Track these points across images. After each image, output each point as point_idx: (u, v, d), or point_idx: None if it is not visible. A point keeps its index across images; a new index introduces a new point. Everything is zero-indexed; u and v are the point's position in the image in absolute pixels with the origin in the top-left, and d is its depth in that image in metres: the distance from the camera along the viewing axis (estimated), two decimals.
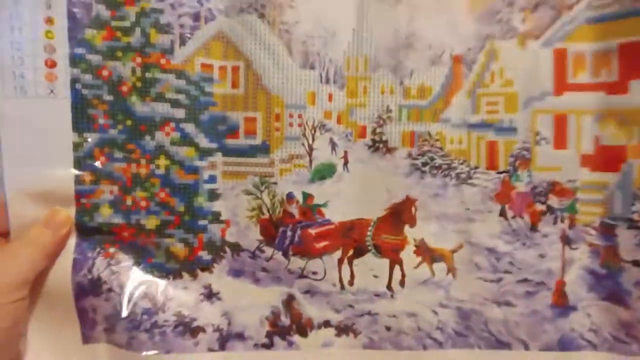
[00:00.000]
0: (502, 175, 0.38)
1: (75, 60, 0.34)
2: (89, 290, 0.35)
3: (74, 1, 0.33)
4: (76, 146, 0.34)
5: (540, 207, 0.38)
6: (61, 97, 0.34)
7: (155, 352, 0.36)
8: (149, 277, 0.36)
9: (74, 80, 0.34)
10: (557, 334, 0.37)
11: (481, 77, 0.38)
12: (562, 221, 0.38)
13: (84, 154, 0.34)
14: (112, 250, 0.36)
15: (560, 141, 0.38)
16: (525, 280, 0.38)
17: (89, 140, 0.34)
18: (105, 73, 0.34)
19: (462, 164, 0.38)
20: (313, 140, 0.37)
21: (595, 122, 0.37)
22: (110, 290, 0.35)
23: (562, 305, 0.37)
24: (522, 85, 0.37)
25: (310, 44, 0.37)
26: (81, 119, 0.34)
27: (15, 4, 0.32)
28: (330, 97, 0.37)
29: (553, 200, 0.38)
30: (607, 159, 0.37)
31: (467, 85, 0.38)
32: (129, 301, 0.35)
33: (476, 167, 0.38)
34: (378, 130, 0.37)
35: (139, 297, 0.35)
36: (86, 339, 0.36)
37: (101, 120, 0.34)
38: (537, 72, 0.37)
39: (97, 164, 0.35)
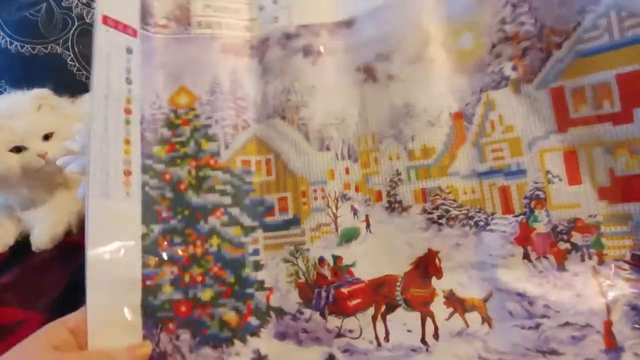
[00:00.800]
0: (519, 218, 0.38)
1: (145, 169, 0.43)
2: None
3: (145, 127, 0.44)
4: (144, 237, 0.42)
5: (564, 245, 0.37)
6: (134, 198, 0.43)
7: None
8: (205, 348, 0.41)
9: (144, 184, 0.43)
10: None
11: (482, 127, 0.41)
12: (590, 258, 0.36)
13: (149, 243, 0.42)
14: (172, 326, 0.41)
15: (573, 177, 0.38)
16: (567, 324, 0.36)
17: (154, 230, 0.42)
18: (167, 177, 0.44)
19: (478, 212, 0.40)
20: (337, 209, 0.43)
21: (606, 153, 0.36)
22: None
23: (614, 348, 0.35)
24: (523, 128, 0.39)
25: (325, 130, 0.44)
26: (148, 214, 0.42)
27: (106, 132, 0.43)
28: (347, 171, 0.43)
29: (576, 238, 0.37)
30: (625, 189, 0.36)
31: (470, 137, 0.41)
32: None
33: (493, 214, 0.39)
34: (392, 192, 0.42)
35: None
36: None
37: (164, 214, 0.43)
38: (535, 113, 0.38)
39: (161, 250, 0.42)
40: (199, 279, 0.42)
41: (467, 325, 0.38)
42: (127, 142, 0.44)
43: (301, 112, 0.44)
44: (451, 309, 0.38)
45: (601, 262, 0.36)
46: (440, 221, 0.40)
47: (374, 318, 0.39)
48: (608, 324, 0.34)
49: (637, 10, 0.35)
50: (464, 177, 0.40)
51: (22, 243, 0.60)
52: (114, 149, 0.42)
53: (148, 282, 0.41)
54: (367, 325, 0.40)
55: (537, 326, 0.36)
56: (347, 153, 0.43)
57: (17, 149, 0.56)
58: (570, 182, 0.37)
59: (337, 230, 0.41)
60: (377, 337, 0.39)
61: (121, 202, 0.42)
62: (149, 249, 0.42)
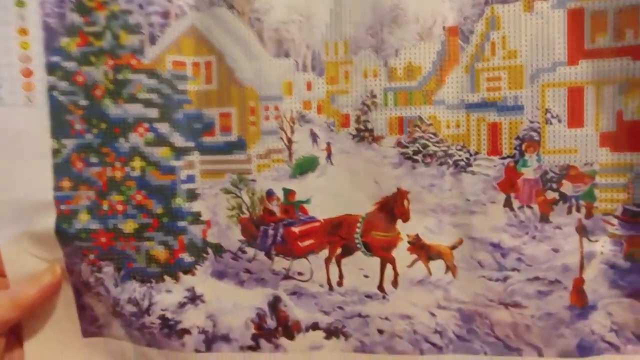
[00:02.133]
0: (506, 161, 0.32)
1: (51, 69, 0.33)
2: (83, 291, 0.35)
3: (49, 11, 0.32)
4: (55, 153, 0.33)
5: (551, 195, 0.33)
6: (39, 105, 0.33)
7: (150, 347, 0.35)
8: (130, 283, 0.35)
9: (50, 88, 0.33)
10: (576, 338, 0.31)
11: (480, 49, 0.33)
12: (577, 210, 0.31)
13: (62, 161, 0.34)
14: (92, 256, 0.35)
15: (575, 119, 0.32)
16: (536, 279, 0.33)
17: (67, 146, 0.33)
18: (80, 79, 0.33)
19: (460, 150, 0.33)
20: (292, 132, 0.33)
21: (618, 94, 0.31)
22: (99, 294, 0.34)
23: (581, 305, 0.31)
24: (528, 56, 0.32)
25: (284, 30, 0.33)
26: (59, 126, 0.33)
27: None
28: (308, 86, 0.33)
29: (567, 187, 0.32)
30: (632, 136, 0.30)
31: (464, 60, 0.33)
32: (117, 304, 0.34)
33: (476, 153, 0.33)
34: (362, 118, 0.33)
35: (124, 301, 0.34)
36: (86, 333, 0.36)
37: (77, 126, 0.34)
38: (546, 39, 0.31)
39: (75, 170, 0.34)
40: (119, 207, 0.34)
41: (430, 274, 0.34)
42: (23, 31, 0.33)
43: (255, 2, 0.31)
44: (414, 256, 0.33)
45: (589, 215, 0.32)
46: (415, 157, 0.32)
47: (328, 261, 0.34)
48: (578, 282, 0.31)
49: None
50: (450, 107, 0.32)
51: None
52: (4, 42, 0.32)
53: (62, 207, 0.34)
54: (319, 269, 0.35)
55: (505, 279, 0.32)
56: (311, 63, 0.32)
57: None
58: (570, 124, 0.31)
59: (291, 159, 0.33)
60: (329, 281, 0.35)
61: (21, 110, 0.33)
62: (62, 168, 0.34)
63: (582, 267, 0.32)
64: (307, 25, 0.33)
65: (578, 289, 0.32)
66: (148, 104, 0.33)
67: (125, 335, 0.35)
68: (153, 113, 0.33)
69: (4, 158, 0.33)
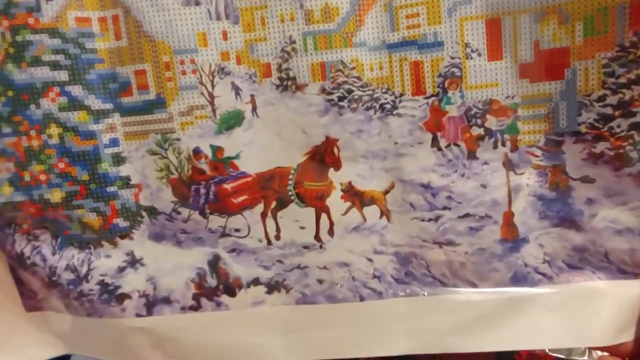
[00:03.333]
0: (430, 100, 0.31)
1: None
2: (19, 264, 0.34)
3: None
4: None
5: (477, 131, 0.31)
6: None
7: (89, 317, 0.34)
8: (68, 249, 0.33)
9: None
10: (509, 271, 0.31)
11: None
12: (503, 144, 0.30)
13: None
14: (25, 226, 0.33)
15: (494, 52, 0.30)
16: (467, 216, 0.32)
17: None
18: None
19: (385, 93, 0.31)
20: (212, 87, 0.31)
21: (533, 22, 0.30)
22: (34, 264, 0.32)
23: (512, 238, 0.31)
24: None
25: None
26: None
27: None
28: (224, 35, 0.31)
29: (491, 122, 0.31)
30: (549, 65, 0.30)
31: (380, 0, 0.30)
32: (53, 274, 0.32)
33: (402, 95, 0.32)
34: (284, 66, 0.31)
35: (62, 269, 0.32)
36: (28, 307, 0.35)
37: None
38: None
39: None
40: (42, 177, 0.32)
41: (365, 220, 0.32)
42: None
43: None
44: (349, 203, 0.32)
45: (514, 148, 0.31)
46: (341, 104, 0.31)
47: (264, 215, 0.33)
48: (508, 215, 0.31)
49: None
50: (372, 48, 0.30)
51: None
52: None
53: None
54: (255, 223, 0.33)
55: (437, 218, 0.31)
56: (225, 11, 0.30)
57: None
58: (490, 57, 0.30)
59: (214, 114, 0.31)
60: (267, 235, 0.33)
61: None
62: None
63: (510, 201, 0.31)
64: None
65: (508, 223, 0.31)
66: (55, 66, 0.31)
67: (63, 307, 0.34)
68: (62, 76, 0.31)
69: None
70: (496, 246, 0.31)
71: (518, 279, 0.31)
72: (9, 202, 0.32)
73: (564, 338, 0.31)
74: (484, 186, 0.31)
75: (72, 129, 0.32)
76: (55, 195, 0.32)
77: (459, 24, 0.30)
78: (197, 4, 0.31)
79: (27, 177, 0.32)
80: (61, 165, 0.32)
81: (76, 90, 0.31)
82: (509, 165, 0.31)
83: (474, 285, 0.32)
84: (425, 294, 0.32)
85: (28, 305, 0.35)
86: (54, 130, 0.31)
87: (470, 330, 0.32)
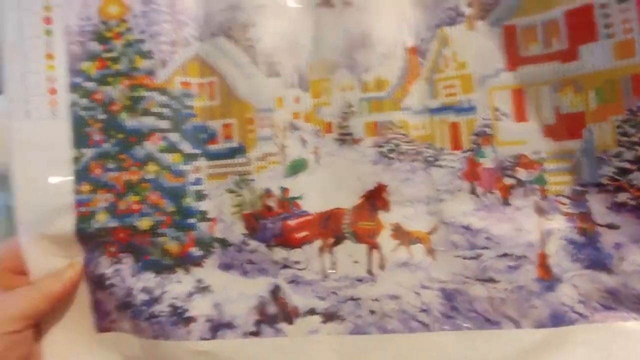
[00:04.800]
0: (467, 154, 0.32)
1: (74, 88, 0.33)
2: (98, 285, 0.33)
3: (72, 40, 0.33)
4: (75, 160, 0.32)
5: (509, 181, 0.32)
6: (62, 118, 0.32)
7: (156, 339, 0.32)
8: (146, 273, 0.33)
9: (72, 104, 0.33)
10: (548, 309, 0.29)
11: (436, 63, 0.33)
12: (533, 193, 0.30)
13: (82, 167, 0.32)
14: (112, 249, 0.33)
15: (520, 115, 0.32)
16: (505, 255, 0.31)
17: (86, 154, 0.32)
18: (99, 96, 0.33)
19: (428, 147, 0.32)
20: (284, 138, 0.33)
21: (553, 92, 0.31)
22: (113, 285, 0.32)
23: (548, 278, 0.30)
24: (475, 65, 0.32)
25: (275, 55, 0.33)
26: (79, 137, 0.33)
27: (22, 43, 0.32)
28: (297, 100, 0.33)
29: (521, 173, 0.31)
30: (568, 126, 0.31)
31: (423, 73, 0.33)
32: (130, 294, 0.31)
33: (442, 149, 0.33)
34: (343, 124, 0.33)
35: (138, 290, 0.31)
36: (100, 328, 0.34)
37: (96, 137, 0.33)
38: (488, 51, 0.32)
39: (93, 175, 0.32)
40: (136, 207, 0.32)
41: (412, 256, 0.31)
42: (50, 56, 0.33)
43: (249, 32, 0.32)
44: (397, 241, 0.32)
45: (543, 197, 0.31)
46: (390, 155, 0.32)
47: (321, 250, 0.32)
48: (542, 256, 0.30)
49: None
50: (416, 112, 0.32)
51: None
52: (34, 65, 0.32)
53: (81, 209, 0.32)
54: (314, 257, 0.32)
55: (478, 257, 0.30)
56: (298, 81, 0.32)
57: None
58: (516, 119, 0.31)
59: (284, 160, 0.32)
60: (323, 269, 0.32)
61: (46, 123, 0.32)
62: (81, 174, 0.33)
63: (543, 243, 0.30)
64: (293, 50, 0.34)
65: (543, 263, 0.30)
66: (160, 116, 0.33)
67: (133, 329, 0.32)
68: (165, 124, 0.33)
69: (30, 166, 0.31)
70: (533, 284, 0.30)
71: (556, 317, 0.30)
72: (103, 228, 0.32)
73: None
74: (518, 229, 0.31)
75: (167, 168, 0.33)
76: (145, 224, 0.32)
77: (489, 93, 0.32)
78: (277, 75, 0.34)
79: (122, 206, 0.32)
80: (153, 197, 0.33)
81: (174, 137, 0.33)
82: (539, 211, 0.31)
83: (515, 321, 0.30)
84: (470, 328, 0.30)
85: (100, 325, 0.34)
86: (151, 167, 0.33)
87: None
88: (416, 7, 0.33)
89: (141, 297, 0.32)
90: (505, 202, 0.31)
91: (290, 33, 0.33)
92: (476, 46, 0.32)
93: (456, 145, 0.32)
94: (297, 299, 0.32)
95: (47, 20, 0.32)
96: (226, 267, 0.33)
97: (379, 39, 0.32)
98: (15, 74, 0.31)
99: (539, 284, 0.29)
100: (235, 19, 0.33)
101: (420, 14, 0.33)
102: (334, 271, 0.32)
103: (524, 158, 0.31)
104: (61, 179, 0.32)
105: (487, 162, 0.32)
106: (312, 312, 0.32)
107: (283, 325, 0.31)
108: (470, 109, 0.32)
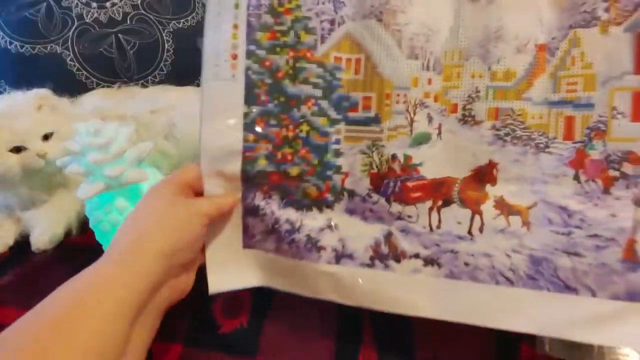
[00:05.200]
0: (577, 145, 0.35)
1: (249, 54, 0.39)
2: (251, 213, 0.40)
3: (251, 12, 0.38)
4: (245, 115, 0.39)
5: (613, 173, 0.35)
6: (239, 80, 0.39)
7: (292, 258, 0.39)
8: (289, 209, 0.40)
9: (247, 68, 0.39)
10: (626, 285, 0.33)
11: (563, 61, 0.36)
12: (635, 187, 0.34)
13: (250, 121, 0.39)
14: (265, 188, 0.40)
15: (637, 115, 0.34)
16: (595, 236, 0.35)
17: (254, 111, 0.39)
18: (267, 64, 0.39)
19: (541, 135, 0.36)
20: (414, 114, 0.38)
21: None
22: (265, 214, 0.40)
23: (632, 260, 0.34)
24: (601, 67, 0.34)
25: (416, 40, 0.38)
26: (249, 96, 0.39)
27: (218, 15, 0.38)
28: (429, 81, 0.38)
29: (627, 168, 0.34)
30: None
31: (549, 69, 0.36)
32: (277, 222, 0.39)
33: (554, 138, 0.36)
34: (467, 106, 0.37)
35: (283, 221, 0.39)
36: (245, 245, 0.41)
37: (263, 97, 0.39)
38: (617, 55, 0.34)
39: (258, 128, 0.39)
40: (289, 157, 0.39)
41: (509, 225, 0.36)
42: (235, 26, 0.39)
43: (398, 17, 0.37)
44: (498, 211, 0.37)
45: None
46: (505, 138, 0.36)
47: (431, 209, 0.38)
48: (631, 241, 0.33)
49: None
50: (536, 103, 0.36)
51: (22, 243, 0.49)
52: (224, 34, 0.38)
53: (247, 154, 0.39)
54: (423, 214, 0.38)
55: (570, 233, 0.35)
56: (433, 65, 0.37)
57: (17, 149, 0.46)
58: (633, 119, 0.34)
59: (411, 133, 0.38)
60: (430, 224, 0.38)
61: (228, 84, 0.38)
62: (249, 126, 0.39)
63: (635, 231, 0.34)
64: (433, 37, 0.38)
65: (630, 247, 0.34)
66: (316, 86, 0.39)
67: (274, 249, 0.40)
68: (318, 93, 0.39)
69: (214, 118, 0.39)
70: (617, 264, 0.34)
71: (632, 293, 0.34)
72: (262, 171, 0.40)
73: None
74: (613, 215, 0.35)
75: (316, 129, 0.40)
76: (294, 171, 0.40)
77: (609, 93, 0.35)
78: (416, 58, 0.38)
79: (278, 156, 0.40)
80: (303, 151, 0.40)
81: (324, 104, 0.39)
82: (638, 203, 0.34)
83: (592, 290, 0.35)
84: (550, 290, 0.36)
85: (246, 243, 0.42)
86: (304, 127, 0.40)
87: (584, 325, 0.35)
88: (553, 8, 0.35)
89: (285, 226, 0.40)
90: (606, 191, 0.35)
91: (433, 22, 0.37)
92: (606, 49, 0.34)
93: (568, 136, 0.35)
94: (405, 244, 0.39)
95: None
96: (351, 212, 0.40)
97: (514, 35, 0.36)
98: (211, 41, 0.38)
99: (623, 264, 0.34)
100: (387, 4, 0.38)
101: (557, 14, 0.35)
102: (439, 228, 0.38)
103: (632, 155, 0.34)
104: (234, 129, 0.39)
105: (595, 154, 0.35)
106: (416, 256, 0.38)
107: (392, 263, 0.39)
108: (589, 105, 0.35)
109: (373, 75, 0.38)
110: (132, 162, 0.41)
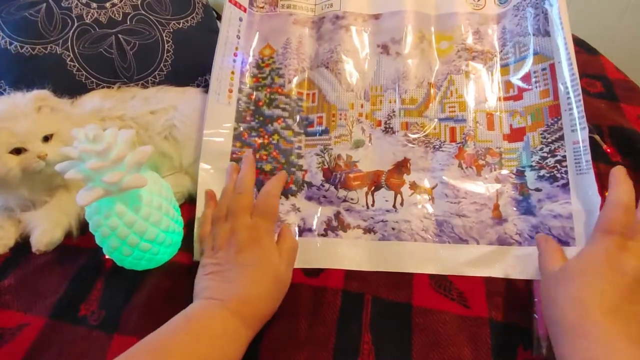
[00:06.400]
0: (458, 145, 0.55)
1: (240, 90, 0.57)
2: None
3: (243, 65, 0.59)
4: (234, 129, 0.56)
5: (481, 162, 0.54)
6: (232, 105, 0.57)
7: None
8: None
9: (238, 99, 0.57)
10: (496, 235, 0.50)
11: (445, 93, 0.57)
12: (494, 170, 0.54)
13: (238, 133, 0.56)
14: None
15: (490, 126, 0.55)
16: (474, 202, 0.52)
17: (241, 127, 0.56)
18: (252, 97, 0.57)
19: (436, 140, 0.56)
20: (352, 127, 0.58)
21: (509, 116, 0.54)
22: None
23: (498, 217, 0.52)
24: (468, 98, 0.55)
25: (351, 79, 0.59)
26: (239, 117, 0.57)
27: (222, 62, 0.58)
28: (362, 106, 0.58)
29: (489, 158, 0.54)
30: (516, 135, 0.52)
31: (437, 98, 0.57)
32: None
33: (444, 141, 0.55)
34: (388, 122, 0.58)
35: None
36: None
37: (248, 118, 0.57)
38: (480, 89, 0.55)
39: (243, 138, 0.56)
40: (264, 157, 0.56)
41: (420, 200, 0.53)
42: (232, 73, 0.58)
43: (339, 65, 0.59)
44: (412, 191, 0.54)
45: (501, 173, 0.52)
46: (413, 142, 0.56)
47: (367, 193, 0.54)
48: (496, 205, 0.51)
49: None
50: (431, 119, 0.56)
51: (22, 245, 0.47)
52: (225, 75, 0.57)
53: (234, 155, 0.56)
54: (362, 197, 0.54)
55: (459, 202, 0.52)
56: (363, 95, 0.59)
57: (17, 151, 0.44)
58: (488, 128, 0.54)
59: (351, 139, 0.56)
60: (367, 203, 0.54)
61: (225, 106, 0.56)
62: (237, 137, 0.56)
63: (497, 198, 0.51)
64: (363, 77, 0.60)
65: (496, 209, 0.53)
66: (284, 110, 0.59)
67: None
68: (286, 114, 0.58)
69: (213, 129, 0.56)
70: (490, 220, 0.50)
71: (501, 240, 0.50)
72: None
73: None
74: (484, 189, 0.55)
75: (284, 138, 0.59)
76: (267, 167, 0.57)
77: (474, 113, 0.57)
78: (352, 91, 0.60)
79: (257, 157, 0.58)
80: (274, 153, 0.57)
81: (290, 122, 0.58)
82: (497, 180, 0.54)
83: (476, 240, 0.50)
84: (449, 242, 0.52)
85: None
86: (275, 137, 0.58)
87: (473, 264, 0.52)
88: (437, 61, 0.59)
89: None
90: (479, 174, 0.54)
91: (362, 68, 0.60)
92: (469, 87, 0.56)
93: (452, 139, 0.55)
94: (350, 219, 0.54)
95: (235, 54, 0.59)
96: (309, 198, 0.55)
97: (414, 76, 0.58)
98: (217, 77, 0.57)
99: (493, 220, 0.52)
100: (332, 57, 0.61)
101: (440, 65, 0.57)
102: (373, 206, 0.57)
103: (490, 150, 0.55)
104: (227, 138, 0.56)
105: (469, 150, 0.55)
106: (358, 227, 0.53)
107: (340, 232, 0.53)
108: (463, 120, 0.56)
109: (323, 102, 0.59)
110: (131, 167, 0.38)
